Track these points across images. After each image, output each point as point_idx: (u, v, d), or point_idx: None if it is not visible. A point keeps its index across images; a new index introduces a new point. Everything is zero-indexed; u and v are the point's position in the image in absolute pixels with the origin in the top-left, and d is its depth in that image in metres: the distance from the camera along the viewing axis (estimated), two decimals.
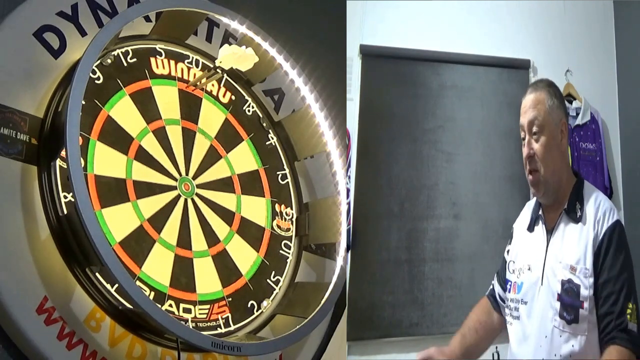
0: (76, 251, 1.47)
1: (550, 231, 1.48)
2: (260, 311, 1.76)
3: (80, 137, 1.44)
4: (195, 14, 1.75)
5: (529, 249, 1.53)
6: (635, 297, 1.35)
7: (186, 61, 1.84)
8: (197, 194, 1.74)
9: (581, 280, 1.37)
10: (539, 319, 1.44)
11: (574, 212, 1.43)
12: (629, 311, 1.32)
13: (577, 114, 2.62)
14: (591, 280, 1.36)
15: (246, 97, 1.93)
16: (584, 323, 1.36)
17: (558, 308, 1.39)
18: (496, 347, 2.44)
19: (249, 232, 1.81)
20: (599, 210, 1.41)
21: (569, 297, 1.38)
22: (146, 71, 1.74)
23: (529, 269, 1.49)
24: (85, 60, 1.49)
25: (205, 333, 1.55)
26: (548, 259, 1.45)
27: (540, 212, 1.52)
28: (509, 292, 1.55)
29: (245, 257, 1.78)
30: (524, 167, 1.48)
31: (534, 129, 1.44)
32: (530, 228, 1.54)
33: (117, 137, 1.63)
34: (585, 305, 1.36)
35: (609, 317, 1.33)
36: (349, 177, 2.29)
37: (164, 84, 1.76)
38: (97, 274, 1.49)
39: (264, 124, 1.95)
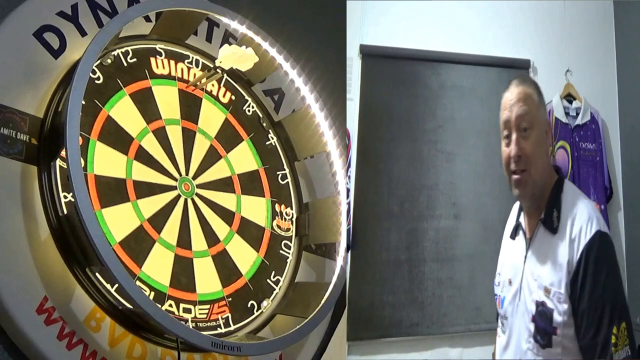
0: (76, 251, 1.47)
1: (529, 241, 1.38)
2: (260, 311, 1.76)
3: (80, 137, 1.44)
4: (195, 14, 1.75)
5: (511, 260, 1.43)
6: (624, 316, 1.22)
7: (186, 61, 1.84)
8: (197, 194, 1.74)
9: (555, 305, 1.26)
10: (516, 338, 1.36)
11: (550, 221, 1.30)
12: (613, 340, 1.19)
13: (577, 114, 2.62)
14: (565, 306, 1.24)
15: (246, 97, 1.94)
16: (558, 348, 1.27)
17: (532, 330, 1.30)
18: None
19: (249, 232, 1.81)
20: (574, 224, 1.27)
21: (542, 321, 1.28)
22: (146, 71, 1.74)
23: (509, 283, 1.41)
24: (85, 60, 1.49)
25: (205, 333, 1.55)
26: (525, 273, 1.35)
27: (521, 219, 1.42)
28: (496, 305, 1.47)
29: (245, 257, 1.78)
30: (505, 168, 1.37)
31: (524, 124, 1.33)
32: (513, 235, 1.44)
33: (117, 137, 1.63)
34: (559, 331, 1.26)
35: (592, 351, 1.22)
36: (349, 177, 2.29)
37: (164, 84, 1.76)
38: (97, 274, 1.49)
39: (264, 124, 1.95)
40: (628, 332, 1.20)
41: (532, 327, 1.30)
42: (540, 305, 1.28)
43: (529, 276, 1.34)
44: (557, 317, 1.26)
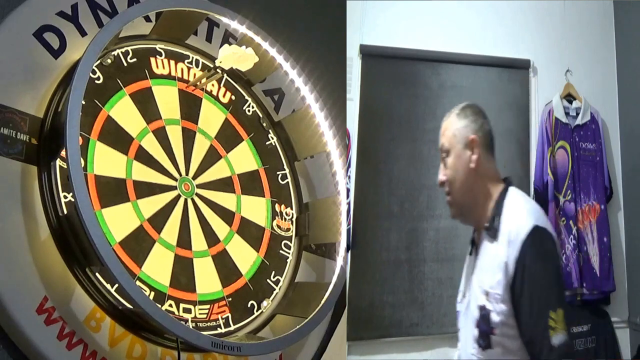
0: (76, 251, 1.47)
1: (476, 252, 1.42)
2: (260, 311, 1.76)
3: (80, 137, 1.44)
4: (195, 14, 1.75)
5: (465, 275, 1.47)
6: (561, 303, 1.25)
7: (186, 61, 1.84)
8: (197, 194, 1.74)
9: (493, 306, 1.29)
10: (464, 346, 1.39)
11: (492, 228, 1.33)
12: (552, 323, 1.22)
13: (577, 114, 2.62)
14: (503, 306, 1.27)
15: (246, 97, 1.94)
16: (498, 348, 1.30)
17: (476, 334, 1.33)
18: None
19: (249, 232, 1.81)
20: (512, 225, 1.30)
21: (484, 323, 1.31)
22: (146, 71, 1.74)
23: (463, 296, 1.44)
24: (85, 60, 1.49)
25: (205, 333, 1.55)
26: (473, 284, 1.39)
27: (473, 234, 1.46)
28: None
29: (245, 257, 1.78)
30: None
31: (442, 154, 1.42)
32: (470, 251, 1.48)
33: (117, 137, 1.63)
34: (497, 331, 1.29)
35: (534, 339, 1.25)
36: (349, 177, 2.29)
37: (164, 84, 1.76)
38: (97, 274, 1.49)
39: (264, 124, 1.95)
40: (565, 317, 1.23)
41: (476, 332, 1.33)
42: (482, 309, 1.32)
43: (475, 286, 1.37)
44: (495, 318, 1.29)
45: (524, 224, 1.28)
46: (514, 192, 1.37)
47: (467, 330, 1.38)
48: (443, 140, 1.42)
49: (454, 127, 1.40)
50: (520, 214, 1.32)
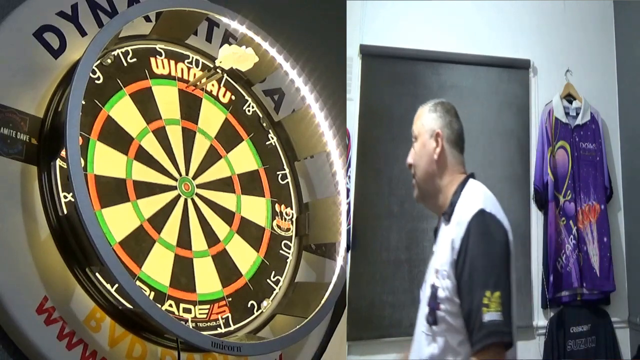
0: (76, 251, 1.47)
1: (435, 238, 1.49)
2: (260, 311, 1.76)
3: (80, 137, 1.44)
4: (195, 14, 1.75)
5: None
6: (501, 286, 1.27)
7: (186, 61, 1.84)
8: (197, 194, 1.74)
9: (440, 282, 1.35)
10: (418, 326, 1.43)
11: (447, 213, 1.42)
12: (485, 301, 1.25)
13: (577, 114, 2.63)
14: (448, 282, 1.32)
15: (246, 97, 1.94)
16: (442, 324, 1.34)
17: (427, 312, 1.38)
18: None
19: (249, 232, 1.81)
20: (463, 206, 1.38)
21: (432, 300, 1.36)
22: (146, 71, 1.74)
23: (424, 282, 1.47)
24: (85, 60, 1.48)
25: (205, 333, 1.55)
26: (430, 268, 1.44)
27: (436, 224, 1.52)
28: None
29: (245, 257, 1.78)
30: None
31: (413, 139, 1.50)
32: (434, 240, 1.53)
33: (117, 137, 1.63)
34: (442, 307, 1.33)
35: (469, 316, 1.28)
36: (349, 177, 2.29)
37: (164, 84, 1.76)
38: (97, 274, 1.49)
39: (264, 124, 1.95)
40: (502, 300, 1.25)
41: (426, 309, 1.38)
42: (432, 287, 1.37)
43: (431, 268, 1.43)
44: (441, 293, 1.34)
45: (473, 207, 1.35)
46: (473, 182, 1.44)
47: (421, 309, 1.43)
48: (414, 127, 1.50)
49: (424, 117, 1.49)
50: (472, 199, 1.39)
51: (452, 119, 1.50)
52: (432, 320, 1.36)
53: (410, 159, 1.50)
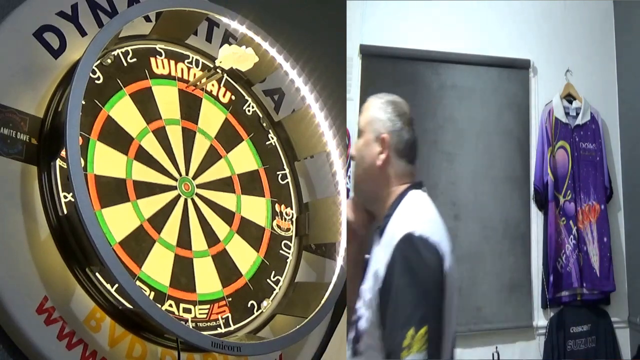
0: (76, 251, 1.47)
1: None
2: (260, 311, 1.76)
3: (80, 137, 1.44)
4: (195, 14, 1.75)
5: None
6: (427, 320, 1.12)
7: (186, 61, 1.84)
8: (197, 194, 1.74)
9: (363, 313, 1.21)
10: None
11: (382, 227, 1.25)
12: (406, 342, 1.09)
13: (577, 114, 2.63)
14: (369, 312, 1.19)
15: (246, 97, 1.93)
16: (362, 358, 1.22)
17: (351, 339, 1.26)
18: (496, 347, 2.44)
19: (249, 232, 1.81)
20: (394, 225, 1.22)
21: (355, 329, 1.23)
22: (146, 71, 1.74)
23: None
24: (85, 60, 1.48)
25: (205, 333, 1.55)
26: (362, 289, 1.28)
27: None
28: None
29: (245, 257, 1.78)
30: None
31: (358, 130, 1.35)
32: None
33: (117, 137, 1.62)
34: (364, 339, 1.20)
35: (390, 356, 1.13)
36: (349, 177, 2.28)
37: (164, 84, 1.76)
38: (97, 274, 1.49)
39: (264, 124, 1.95)
40: (430, 336, 1.11)
41: (351, 336, 1.27)
42: (356, 311, 1.25)
43: (362, 290, 1.29)
44: (362, 324, 1.22)
45: (401, 229, 1.19)
46: (413, 195, 1.28)
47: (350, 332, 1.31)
48: (360, 118, 1.34)
49: (372, 112, 1.33)
50: (403, 218, 1.23)
51: (403, 127, 1.31)
52: (354, 352, 1.23)
53: (352, 151, 1.34)
